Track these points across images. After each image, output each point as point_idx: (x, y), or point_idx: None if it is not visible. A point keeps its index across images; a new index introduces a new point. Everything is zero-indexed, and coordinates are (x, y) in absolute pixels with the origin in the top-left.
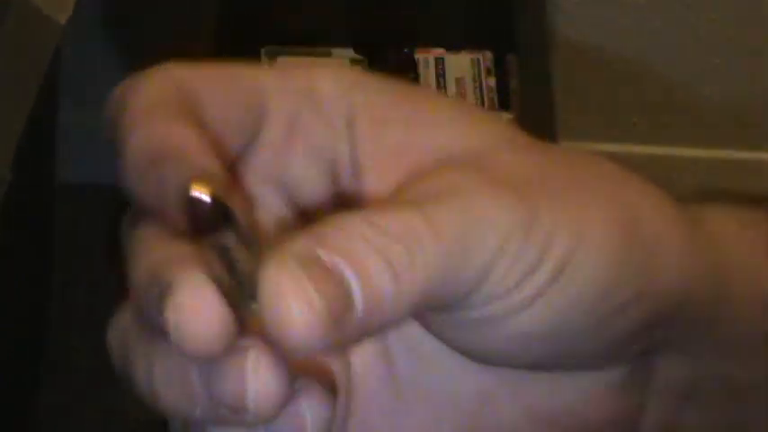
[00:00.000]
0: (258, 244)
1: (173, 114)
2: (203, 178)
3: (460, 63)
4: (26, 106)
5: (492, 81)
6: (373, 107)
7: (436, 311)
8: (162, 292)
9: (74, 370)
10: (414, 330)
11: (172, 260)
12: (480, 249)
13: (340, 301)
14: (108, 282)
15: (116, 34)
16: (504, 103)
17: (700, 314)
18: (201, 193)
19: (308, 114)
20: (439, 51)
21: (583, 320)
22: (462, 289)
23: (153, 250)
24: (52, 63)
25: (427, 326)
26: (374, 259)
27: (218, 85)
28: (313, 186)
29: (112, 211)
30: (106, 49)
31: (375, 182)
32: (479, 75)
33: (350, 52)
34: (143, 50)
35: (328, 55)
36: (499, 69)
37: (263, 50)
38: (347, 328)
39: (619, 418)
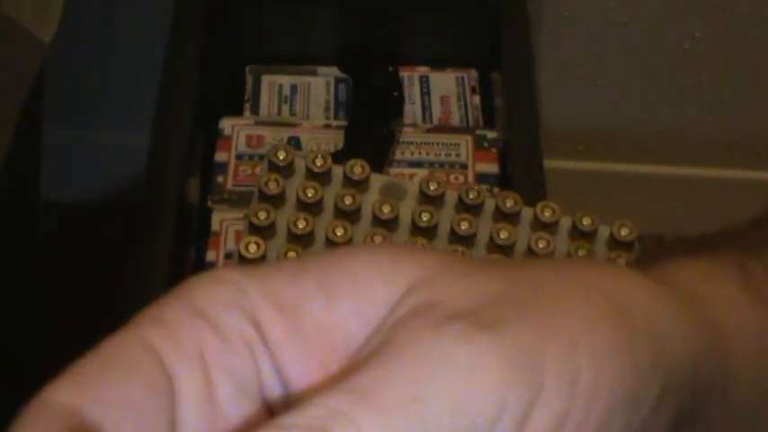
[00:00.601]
0: None
1: None
2: None
3: (445, 81)
4: (10, 124)
5: (477, 99)
6: (273, 295)
7: None
8: None
9: None
10: None
11: None
12: (443, 400)
13: None
14: (89, 300)
15: (101, 53)
16: (488, 121)
17: (710, 385)
18: None
19: (213, 342)
20: (423, 69)
21: None
22: None
23: None
24: (36, 81)
25: None
26: None
27: (108, 390)
28: (244, 412)
29: (95, 228)
30: (90, 67)
31: (311, 379)
32: (464, 93)
33: (334, 71)
34: (128, 69)
35: (313, 74)
36: (484, 87)
37: (247, 69)
38: None
39: None
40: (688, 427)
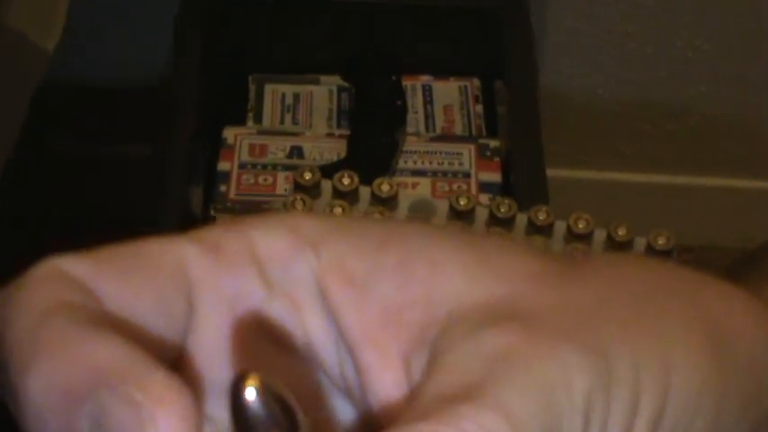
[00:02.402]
0: None
1: (84, 327)
2: (252, 375)
3: (448, 90)
4: (13, 133)
5: (480, 108)
6: (345, 260)
7: None
8: None
9: None
10: None
11: None
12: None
13: None
14: None
15: (103, 62)
16: (491, 130)
17: None
18: (253, 395)
19: (254, 295)
20: (426, 78)
21: None
22: None
23: None
24: (39, 90)
25: None
26: None
27: (124, 276)
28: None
29: (98, 238)
30: (93, 76)
31: (371, 359)
32: (467, 102)
33: (337, 80)
34: (131, 78)
35: (316, 83)
36: (487, 96)
37: (250, 78)
38: None
39: None
40: None
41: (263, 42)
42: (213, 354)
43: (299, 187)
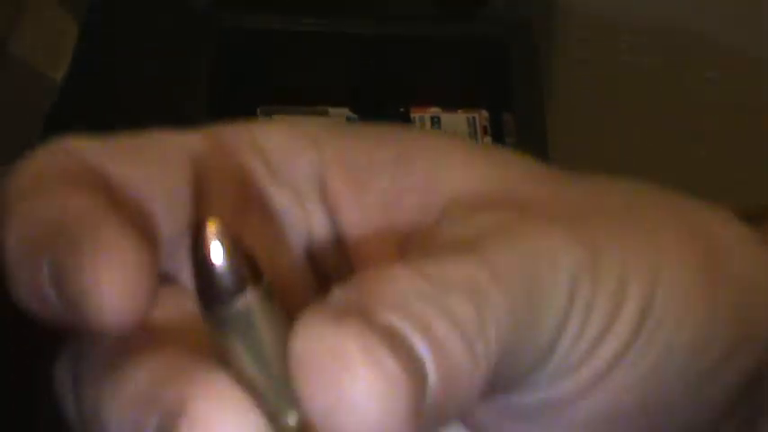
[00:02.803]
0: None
1: (71, 183)
2: (215, 222)
3: (456, 122)
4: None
5: (488, 140)
6: (344, 155)
7: (493, 396)
8: (167, 416)
9: None
10: None
11: (171, 374)
12: (550, 303)
13: (413, 373)
14: None
15: (110, 93)
16: None
17: None
18: (218, 248)
19: (260, 182)
20: (435, 110)
21: (677, 384)
22: (531, 357)
23: (130, 375)
24: (47, 120)
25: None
26: (443, 322)
27: (131, 159)
28: (288, 271)
29: None
30: (100, 107)
31: (369, 250)
32: (475, 134)
33: (346, 111)
34: (137, 107)
35: (326, 114)
36: (495, 128)
37: (258, 110)
38: (420, 415)
39: None
40: (760, 391)
41: (272, 73)
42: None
43: None
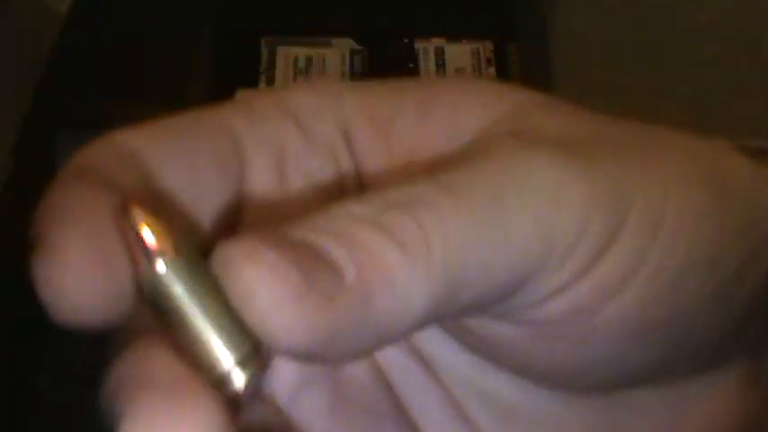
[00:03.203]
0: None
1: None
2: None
3: (461, 53)
4: (27, 95)
5: (492, 71)
6: (367, 107)
7: (481, 314)
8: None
9: (72, 373)
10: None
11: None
12: (526, 213)
13: (320, 271)
14: None
15: (115, 24)
16: None
17: None
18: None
19: (295, 143)
20: (439, 41)
21: (696, 300)
22: (510, 272)
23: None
24: (52, 53)
25: (466, 336)
26: (370, 233)
27: (175, 143)
28: None
29: None
30: (104, 40)
31: None
32: (479, 64)
33: (350, 42)
34: (141, 39)
35: (329, 45)
36: (499, 59)
37: (262, 41)
38: (342, 314)
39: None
40: None
41: (275, 5)
42: (268, 195)
43: None
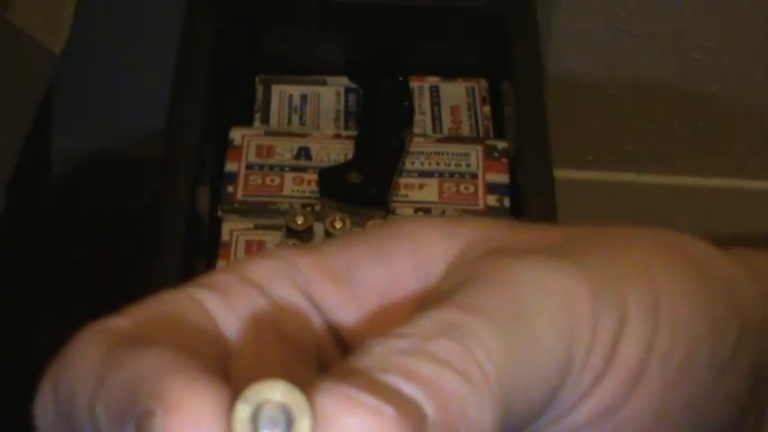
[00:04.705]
0: None
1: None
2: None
3: (455, 91)
4: (21, 134)
5: (487, 109)
6: (323, 265)
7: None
8: (145, 409)
9: None
10: None
11: (156, 369)
12: (544, 320)
13: (412, 413)
14: (97, 310)
15: (110, 63)
16: (499, 130)
17: None
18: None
19: (267, 312)
20: (434, 80)
21: (706, 379)
22: (543, 381)
23: (119, 367)
24: (47, 92)
25: None
26: (426, 364)
27: (169, 335)
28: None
29: (104, 239)
30: (100, 77)
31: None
32: (474, 103)
33: (344, 81)
34: (138, 78)
35: (323, 83)
36: (494, 97)
37: (257, 79)
38: None
39: None
40: (763, 386)
41: (270, 43)
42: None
43: (291, 232)
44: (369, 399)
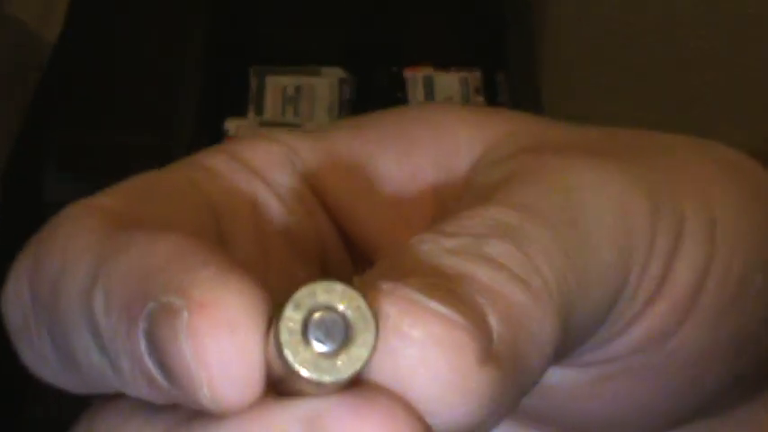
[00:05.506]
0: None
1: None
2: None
3: (449, 82)
4: (15, 124)
5: (481, 100)
6: (333, 154)
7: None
8: (164, 303)
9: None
10: None
11: (173, 257)
12: (602, 231)
13: (482, 324)
14: None
15: (104, 51)
16: None
17: None
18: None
19: (268, 203)
20: (427, 70)
21: (758, 311)
22: (604, 301)
23: (123, 252)
24: (41, 81)
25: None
26: (484, 269)
27: (150, 204)
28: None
29: None
30: (94, 67)
31: (384, 245)
32: (468, 93)
33: (338, 71)
34: (132, 69)
35: (317, 74)
36: (488, 88)
37: (251, 70)
38: (504, 371)
39: None
40: None
41: (264, 33)
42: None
43: None
44: (437, 305)
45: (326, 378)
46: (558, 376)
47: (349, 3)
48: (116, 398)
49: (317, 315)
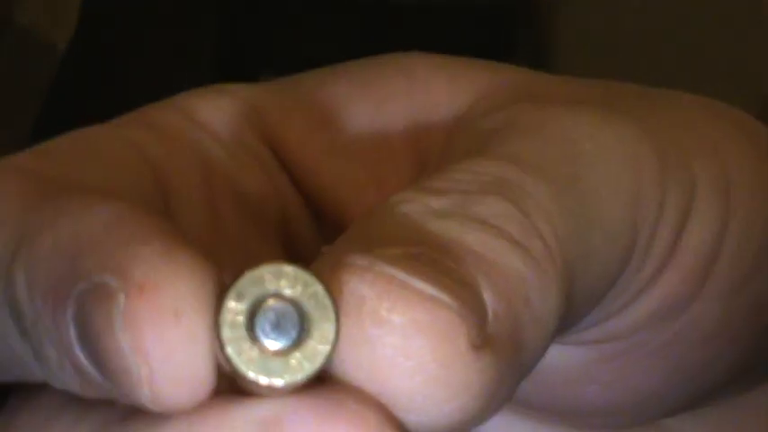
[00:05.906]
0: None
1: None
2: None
3: None
4: (26, 131)
5: None
6: (295, 108)
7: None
8: (96, 284)
9: None
10: None
11: (108, 230)
12: (608, 184)
13: (473, 303)
14: None
15: (114, 57)
16: None
17: None
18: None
19: (220, 163)
20: None
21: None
22: (610, 268)
23: (49, 225)
24: (51, 86)
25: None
26: (476, 232)
27: (81, 167)
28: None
29: None
30: (105, 72)
31: (354, 205)
32: None
33: None
34: (140, 75)
35: None
36: None
37: (261, 78)
38: (501, 355)
39: None
40: None
41: (275, 43)
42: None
43: None
44: (418, 283)
45: (277, 381)
46: (549, 356)
47: (358, 12)
48: (40, 390)
49: (264, 305)
